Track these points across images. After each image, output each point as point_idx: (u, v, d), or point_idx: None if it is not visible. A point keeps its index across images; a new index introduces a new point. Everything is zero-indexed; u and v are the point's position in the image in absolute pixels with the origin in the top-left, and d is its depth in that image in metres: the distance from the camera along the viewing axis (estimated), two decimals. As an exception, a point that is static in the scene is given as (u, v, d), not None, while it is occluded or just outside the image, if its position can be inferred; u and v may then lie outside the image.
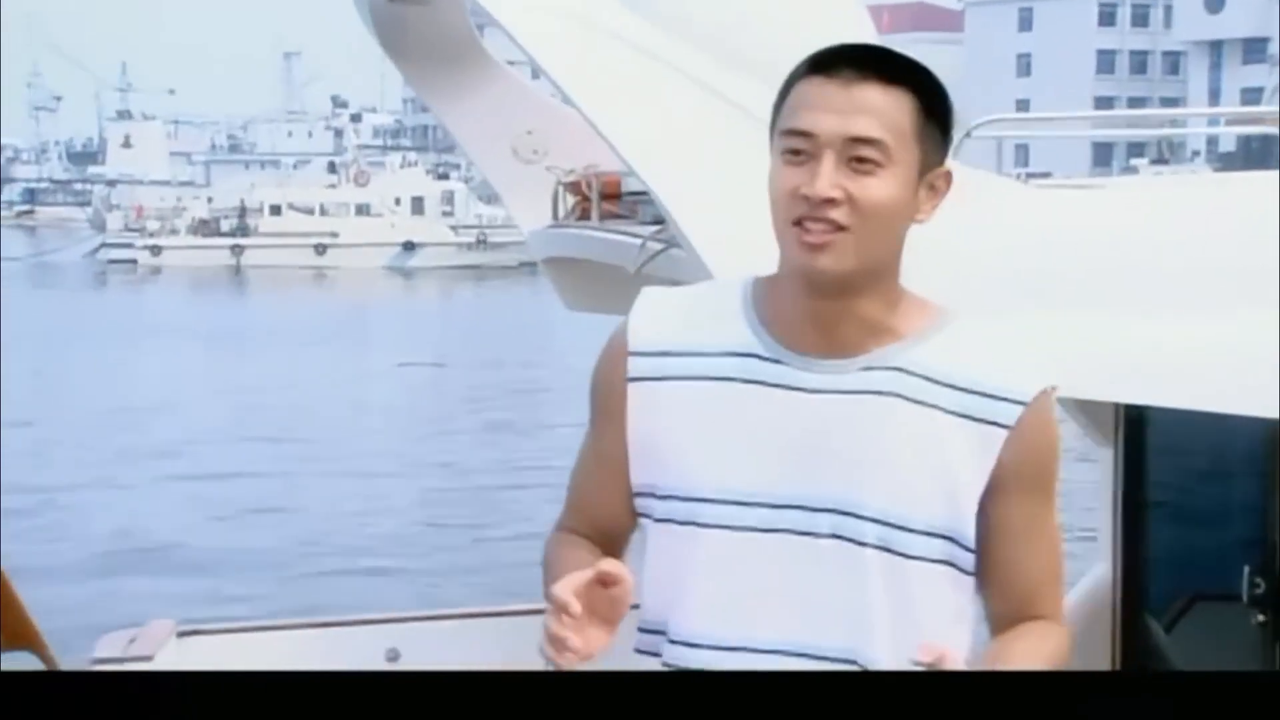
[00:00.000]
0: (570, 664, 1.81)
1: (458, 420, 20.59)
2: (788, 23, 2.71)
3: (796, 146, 1.91)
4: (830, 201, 1.87)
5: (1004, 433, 1.94)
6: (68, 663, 3.32)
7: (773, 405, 1.95)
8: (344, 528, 14.07)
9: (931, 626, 1.91)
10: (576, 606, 1.80)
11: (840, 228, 1.89)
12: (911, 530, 1.93)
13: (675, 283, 3.20)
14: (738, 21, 2.64)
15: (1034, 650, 1.95)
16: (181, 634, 4.00)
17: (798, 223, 1.90)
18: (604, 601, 1.84)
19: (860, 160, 1.89)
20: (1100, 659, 3.93)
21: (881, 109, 1.90)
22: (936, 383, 1.94)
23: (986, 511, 1.95)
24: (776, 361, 1.96)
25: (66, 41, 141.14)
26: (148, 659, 3.76)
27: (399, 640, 4.11)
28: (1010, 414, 1.94)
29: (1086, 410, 3.84)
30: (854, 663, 1.93)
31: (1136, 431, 3.88)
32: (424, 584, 11.91)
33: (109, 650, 3.78)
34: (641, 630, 2.05)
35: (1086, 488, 3.97)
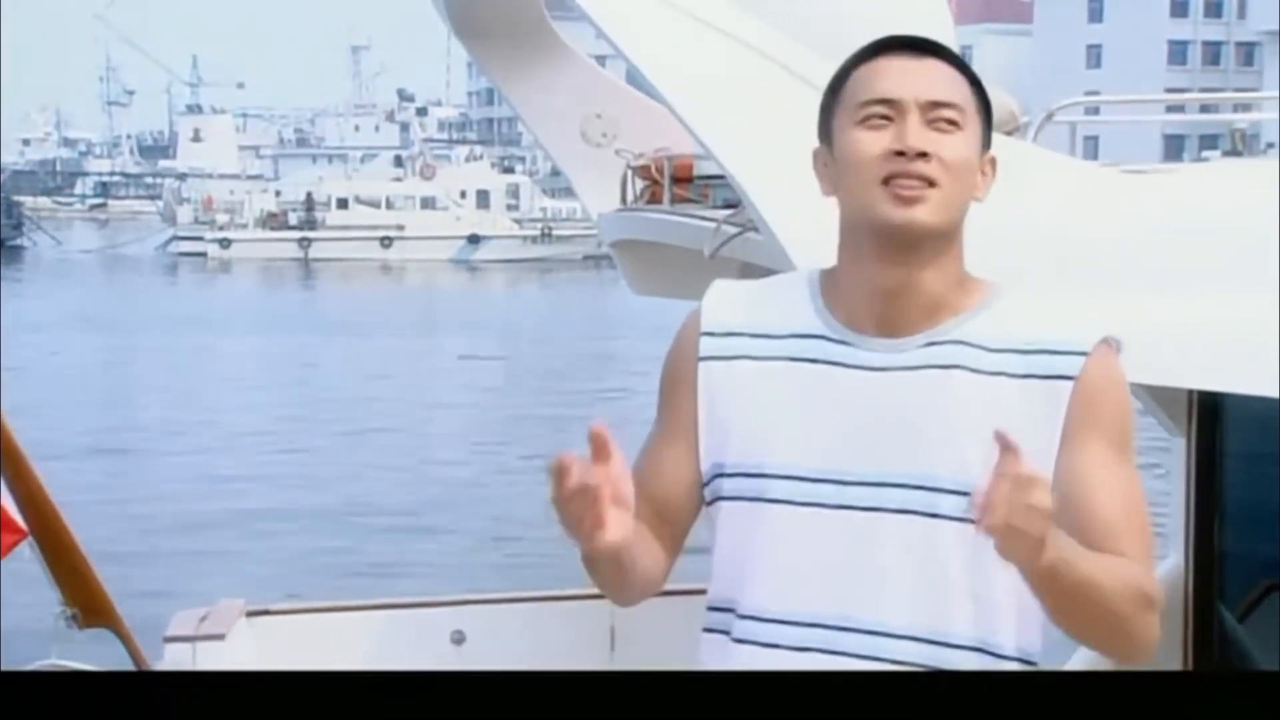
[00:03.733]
0: (601, 542, 1.80)
1: (522, 412, 20.66)
2: (864, 4, 2.70)
3: (880, 113, 1.96)
4: (923, 155, 1.92)
5: (1070, 385, 1.96)
6: (143, 639, 3.37)
7: (840, 384, 1.98)
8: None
9: (1005, 595, 1.92)
10: (578, 467, 1.79)
11: (931, 183, 1.93)
12: None
13: (749, 265, 3.20)
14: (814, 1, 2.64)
15: (1111, 567, 1.87)
16: (250, 614, 4.04)
17: (886, 181, 1.93)
18: (603, 478, 1.81)
19: (942, 121, 1.95)
20: (1173, 651, 3.88)
21: (952, 79, 1.99)
22: (998, 349, 1.97)
23: (1060, 462, 1.95)
24: (843, 343, 2.00)
25: (139, 36, 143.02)
26: (219, 637, 3.81)
27: (465, 623, 4.12)
28: (1074, 365, 1.96)
29: (1158, 397, 3.79)
30: (925, 640, 1.93)
31: (1210, 418, 3.82)
32: (488, 568, 11.99)
33: (181, 628, 3.83)
34: (710, 609, 2.07)
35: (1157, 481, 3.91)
